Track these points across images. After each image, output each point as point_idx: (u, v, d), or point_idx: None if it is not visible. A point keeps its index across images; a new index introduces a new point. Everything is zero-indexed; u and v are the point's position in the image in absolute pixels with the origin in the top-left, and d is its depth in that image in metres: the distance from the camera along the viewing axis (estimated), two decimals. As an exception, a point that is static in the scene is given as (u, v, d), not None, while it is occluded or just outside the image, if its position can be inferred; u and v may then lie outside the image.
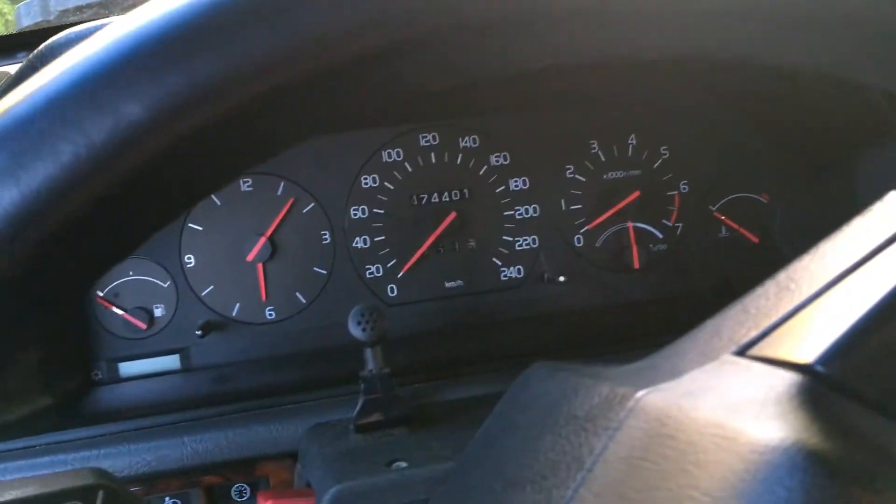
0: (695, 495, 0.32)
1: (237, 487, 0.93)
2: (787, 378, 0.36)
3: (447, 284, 1.21)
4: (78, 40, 0.83)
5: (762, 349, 0.40)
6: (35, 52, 0.83)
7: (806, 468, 0.29)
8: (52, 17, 1.50)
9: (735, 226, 1.25)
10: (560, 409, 0.47)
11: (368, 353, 0.82)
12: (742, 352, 0.40)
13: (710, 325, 0.45)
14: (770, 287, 0.44)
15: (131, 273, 1.14)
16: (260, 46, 0.32)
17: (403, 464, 0.71)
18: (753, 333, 0.41)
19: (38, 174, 0.31)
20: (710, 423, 0.34)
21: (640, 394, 0.40)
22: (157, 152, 0.32)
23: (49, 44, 0.82)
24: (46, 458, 0.87)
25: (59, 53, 0.79)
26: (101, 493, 0.61)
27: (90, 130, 0.31)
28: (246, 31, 0.32)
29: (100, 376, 1.13)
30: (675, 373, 0.42)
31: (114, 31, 0.33)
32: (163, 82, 0.32)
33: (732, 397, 0.36)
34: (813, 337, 0.39)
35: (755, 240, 1.25)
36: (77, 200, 0.31)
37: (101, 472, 0.63)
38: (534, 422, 0.49)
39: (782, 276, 0.45)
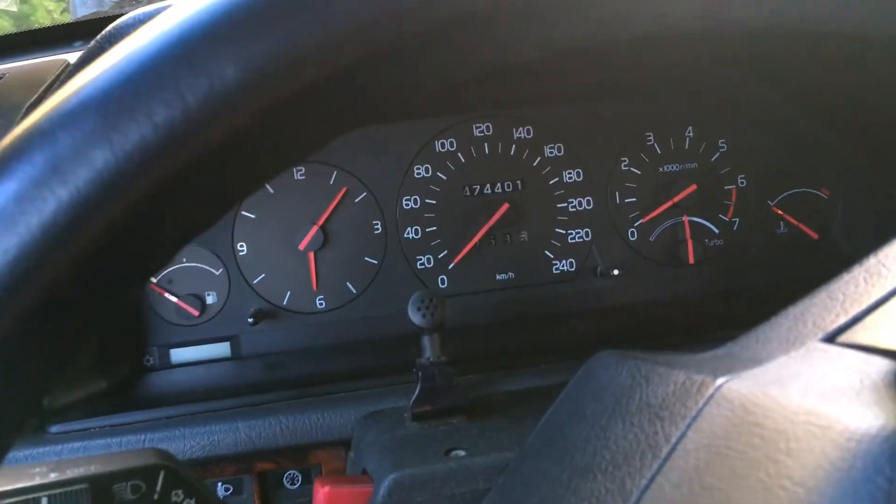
0: (787, 485, 0.30)
1: (289, 474, 0.93)
2: (883, 365, 0.34)
3: (498, 277, 1.20)
4: (145, 20, 0.83)
5: (853, 336, 0.38)
6: (103, 33, 0.83)
7: (908, 458, 0.28)
8: (106, 7, 1.52)
9: (794, 221, 1.22)
10: (632, 397, 0.45)
11: (426, 340, 0.81)
12: (831, 338, 0.39)
13: (793, 313, 0.43)
14: (858, 273, 0.43)
15: (184, 260, 1.15)
16: (360, 10, 0.31)
17: (462, 452, 0.70)
18: (843, 320, 0.40)
19: (132, 136, 0.30)
20: (801, 411, 0.33)
21: (720, 381, 0.38)
22: (251, 118, 0.31)
23: (116, 25, 0.82)
24: (103, 441, 0.88)
25: (129, 33, 0.79)
26: (162, 473, 0.61)
27: (185, 92, 0.30)
28: None
29: (152, 362, 1.14)
30: (757, 360, 0.41)
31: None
32: (259, 45, 0.31)
33: (824, 384, 0.35)
34: (909, 323, 0.37)
35: (815, 236, 1.22)
36: (169, 166, 0.31)
37: (162, 453, 0.63)
38: (602, 410, 0.48)
39: (872, 261, 0.43)
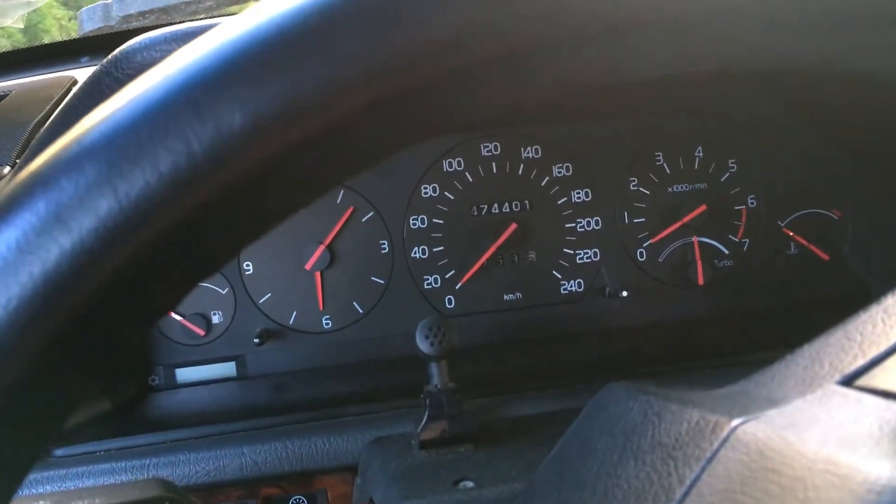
0: None
1: (295, 500, 0.92)
2: None
3: (506, 297, 1.19)
4: (151, 46, 0.83)
5: (871, 380, 0.37)
6: (109, 57, 0.82)
7: (929, 509, 0.27)
8: (113, 23, 1.52)
9: (805, 243, 1.21)
10: (644, 435, 0.45)
11: (434, 367, 0.80)
12: (848, 382, 0.38)
13: (809, 351, 0.42)
14: (876, 312, 0.42)
15: (190, 279, 1.14)
16: (369, 52, 0.31)
17: (470, 483, 0.69)
18: (861, 362, 0.39)
19: (137, 184, 0.30)
20: (819, 458, 0.32)
21: (735, 422, 0.38)
22: (258, 163, 0.31)
23: (124, 50, 0.82)
24: (107, 465, 0.87)
25: (135, 58, 0.78)
26: (166, 505, 0.61)
27: (190, 139, 0.30)
28: (353, 35, 0.31)
29: (157, 382, 1.13)
30: (772, 401, 0.40)
31: (217, 37, 0.31)
32: (265, 90, 0.30)
33: (842, 431, 0.34)
34: (928, 368, 0.36)
35: (826, 258, 1.21)
36: (176, 213, 0.30)
37: (167, 484, 0.62)
38: (613, 446, 0.47)
39: (890, 300, 0.42)
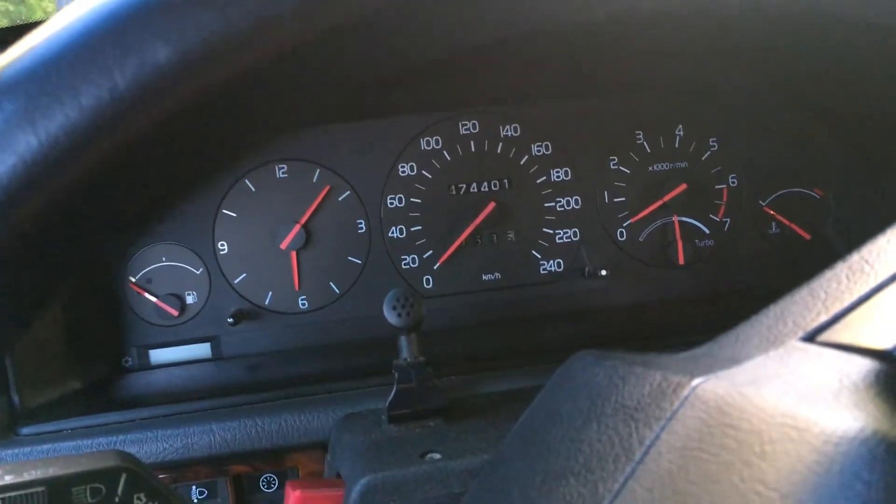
0: (760, 489, 0.29)
1: (265, 477, 0.91)
2: (863, 365, 0.33)
3: (484, 277, 1.17)
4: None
5: (834, 335, 0.37)
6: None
7: (887, 460, 0.26)
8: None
9: (786, 222, 1.20)
10: (607, 399, 0.44)
11: (403, 340, 0.79)
12: (811, 337, 0.38)
13: (773, 311, 0.42)
14: (841, 270, 0.41)
15: (164, 259, 1.12)
16: None
17: (437, 455, 0.68)
18: (823, 318, 0.38)
19: (56, 119, 0.28)
20: (777, 412, 0.31)
21: (696, 381, 0.37)
22: (183, 103, 0.29)
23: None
24: (72, 443, 0.85)
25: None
26: (123, 476, 0.59)
27: (114, 73, 0.28)
28: None
29: (130, 363, 1.12)
30: (735, 360, 0.39)
31: None
32: (194, 23, 0.29)
33: (802, 385, 0.33)
34: (891, 321, 0.35)
35: (807, 237, 1.20)
36: (98, 150, 0.29)
37: (124, 455, 0.60)
38: (578, 411, 0.46)
39: (855, 258, 0.42)
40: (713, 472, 0.32)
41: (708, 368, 0.39)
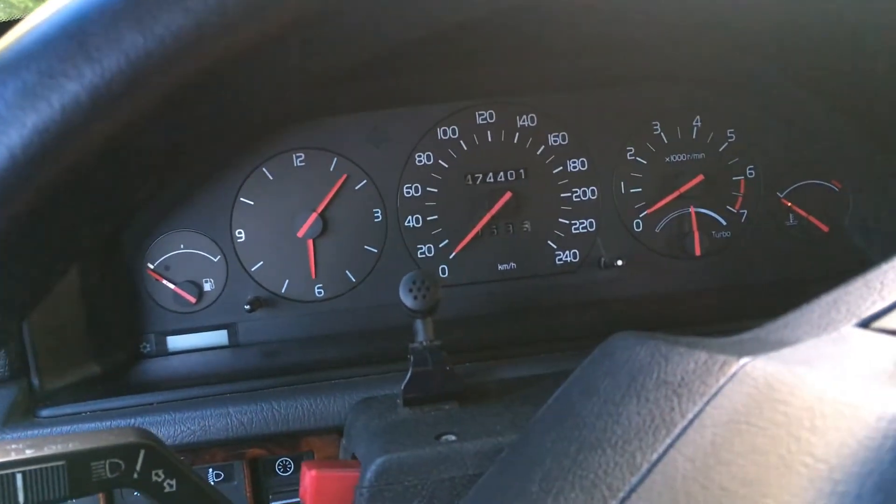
0: (808, 461, 0.29)
1: (281, 461, 0.91)
2: None
3: (500, 267, 1.17)
4: None
5: (890, 322, 0.37)
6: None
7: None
8: None
9: (804, 214, 1.19)
10: (649, 375, 0.44)
11: (419, 323, 0.79)
12: (866, 324, 0.38)
13: (825, 300, 0.42)
14: None
15: (182, 246, 1.13)
16: None
17: (452, 437, 0.68)
18: (879, 306, 0.39)
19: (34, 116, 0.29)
20: (829, 390, 0.32)
21: (744, 360, 0.37)
22: (162, 92, 0.30)
23: None
24: (91, 425, 0.86)
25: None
26: (142, 452, 0.60)
27: (94, 63, 0.29)
28: None
29: (148, 349, 1.13)
30: (785, 343, 0.39)
31: None
32: (167, 12, 0.29)
33: (856, 367, 0.33)
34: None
35: (825, 229, 1.19)
36: (81, 143, 0.29)
37: (144, 432, 0.61)
38: (617, 387, 0.46)
39: None
40: (760, 445, 0.32)
41: (756, 349, 0.39)
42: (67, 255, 0.36)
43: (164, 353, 1.13)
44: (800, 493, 0.28)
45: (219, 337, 1.14)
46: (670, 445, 0.37)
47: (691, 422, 0.37)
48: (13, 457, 0.57)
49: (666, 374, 0.42)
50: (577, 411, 0.49)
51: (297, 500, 0.91)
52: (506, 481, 0.51)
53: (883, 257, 0.42)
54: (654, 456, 0.37)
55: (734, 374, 0.37)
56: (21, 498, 0.56)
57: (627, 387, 0.45)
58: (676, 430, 0.37)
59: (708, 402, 0.37)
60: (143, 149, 0.32)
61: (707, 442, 0.35)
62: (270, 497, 0.93)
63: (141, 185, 0.36)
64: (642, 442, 0.39)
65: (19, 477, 0.56)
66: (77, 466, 0.58)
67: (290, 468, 0.92)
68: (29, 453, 0.57)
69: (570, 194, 1.18)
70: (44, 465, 0.57)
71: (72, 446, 0.59)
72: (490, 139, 1.17)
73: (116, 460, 0.59)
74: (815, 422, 0.31)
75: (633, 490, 0.37)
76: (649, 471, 0.37)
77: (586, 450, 0.43)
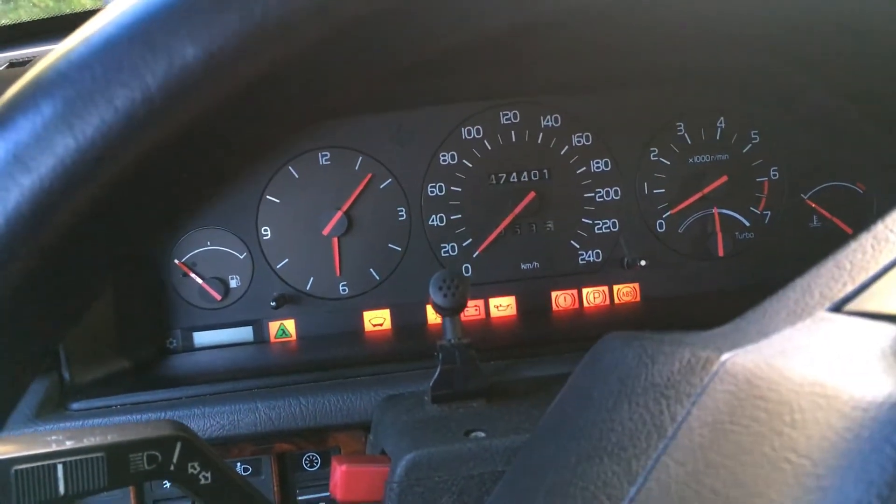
0: (792, 458, 0.29)
1: (308, 456, 0.92)
2: (891, 331, 0.33)
3: (523, 266, 1.18)
4: None
5: (861, 304, 0.37)
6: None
7: (918, 424, 0.26)
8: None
9: (828, 215, 1.19)
10: (637, 378, 0.44)
11: (447, 321, 0.80)
12: (838, 308, 0.38)
13: (799, 284, 0.42)
14: (866, 240, 0.41)
15: (209, 243, 1.15)
16: None
17: (482, 433, 0.68)
18: (850, 288, 0.38)
19: (93, 121, 0.29)
20: (805, 382, 0.32)
21: (725, 356, 0.37)
22: (213, 99, 0.30)
23: None
24: (122, 418, 0.88)
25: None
26: (179, 445, 0.61)
27: (144, 74, 0.29)
28: None
29: (175, 345, 1.14)
30: (763, 333, 0.39)
31: None
32: (218, 22, 0.30)
33: (830, 354, 0.33)
34: (917, 288, 0.36)
35: (849, 231, 1.19)
36: (133, 149, 0.30)
37: (179, 425, 0.62)
38: (608, 392, 0.46)
39: (879, 227, 0.42)
40: (744, 444, 0.32)
41: (736, 343, 0.39)
42: (100, 278, 0.37)
43: (191, 348, 1.14)
44: (786, 491, 0.28)
45: (244, 333, 1.15)
46: (662, 451, 0.37)
47: (680, 425, 0.37)
48: (53, 447, 0.58)
49: (653, 376, 0.42)
50: (574, 420, 0.49)
51: (324, 494, 0.92)
52: (513, 497, 0.52)
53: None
54: (649, 463, 0.37)
55: (716, 373, 0.37)
56: (62, 488, 0.57)
57: (618, 392, 0.45)
58: (668, 435, 0.37)
59: (693, 404, 0.37)
60: (183, 158, 0.33)
61: (696, 445, 0.35)
62: (297, 491, 0.94)
63: (176, 195, 0.36)
64: (636, 448, 0.39)
65: (60, 468, 0.57)
66: (116, 458, 0.59)
67: (316, 463, 0.93)
68: (69, 444, 0.58)
69: (593, 194, 1.19)
70: (83, 457, 0.58)
71: (110, 438, 0.60)
72: (514, 139, 1.18)
73: (154, 452, 0.61)
74: (794, 416, 0.31)
75: (632, 500, 0.37)
76: (645, 479, 0.37)
77: (585, 460, 0.43)
